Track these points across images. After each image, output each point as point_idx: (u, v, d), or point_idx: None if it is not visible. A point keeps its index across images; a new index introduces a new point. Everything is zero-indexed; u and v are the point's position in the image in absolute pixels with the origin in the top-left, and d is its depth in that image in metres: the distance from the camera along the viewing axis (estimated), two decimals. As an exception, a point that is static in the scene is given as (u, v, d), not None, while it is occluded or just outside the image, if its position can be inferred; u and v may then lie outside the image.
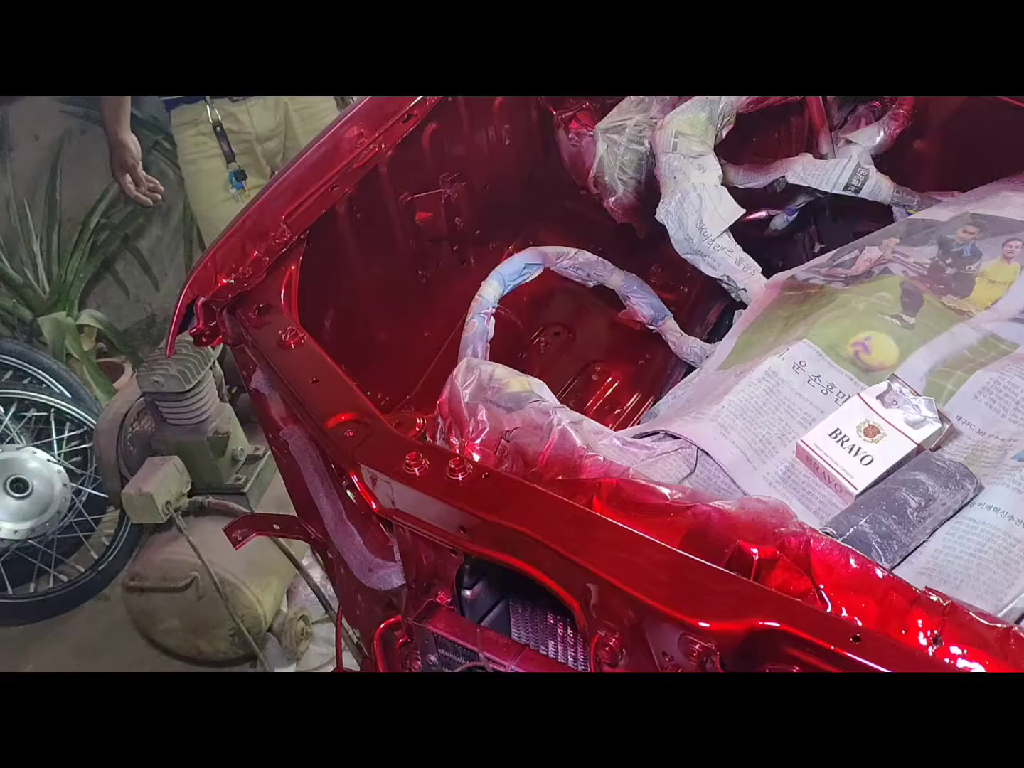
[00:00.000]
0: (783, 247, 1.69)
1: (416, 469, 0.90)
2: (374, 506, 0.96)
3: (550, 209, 1.74)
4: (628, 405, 1.57)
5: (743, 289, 1.30)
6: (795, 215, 1.56)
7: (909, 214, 1.34)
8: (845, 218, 1.57)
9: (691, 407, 1.06)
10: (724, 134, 1.44)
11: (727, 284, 1.32)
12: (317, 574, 2.10)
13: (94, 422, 2.39)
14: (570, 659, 0.98)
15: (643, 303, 1.44)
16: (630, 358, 1.61)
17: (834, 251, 1.31)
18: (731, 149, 1.50)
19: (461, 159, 1.56)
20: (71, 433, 2.56)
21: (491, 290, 1.32)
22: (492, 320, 1.30)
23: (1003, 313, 1.08)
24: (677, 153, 1.36)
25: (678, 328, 1.45)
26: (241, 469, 2.15)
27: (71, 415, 2.56)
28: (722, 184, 1.33)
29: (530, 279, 1.36)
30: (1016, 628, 0.67)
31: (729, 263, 1.30)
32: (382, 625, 1.06)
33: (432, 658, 0.98)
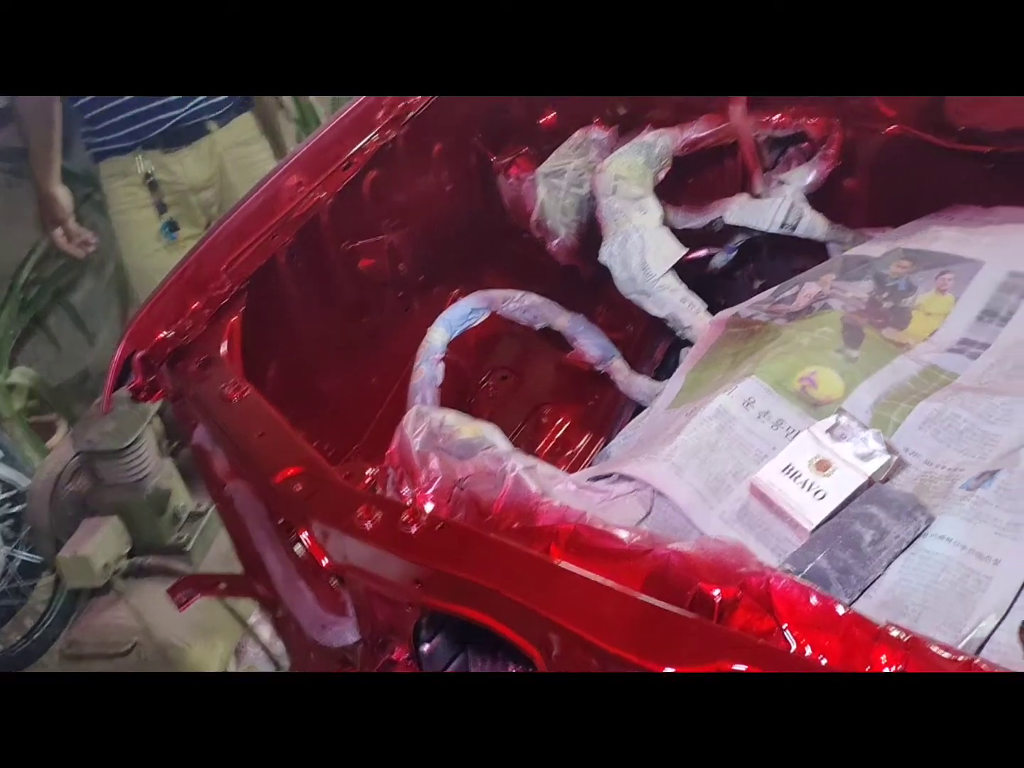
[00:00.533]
0: (724, 284, 1.71)
1: (368, 522, 0.88)
2: (325, 562, 0.93)
3: (494, 253, 1.74)
4: (579, 446, 1.57)
5: (689, 327, 1.31)
6: (734, 253, 1.59)
7: (844, 250, 1.38)
8: (782, 255, 1.60)
9: (644, 448, 1.06)
10: (662, 176, 1.47)
11: (673, 323, 1.33)
12: (266, 632, 2.03)
13: (26, 483, 2.30)
14: (533, 711, 0.95)
15: (591, 344, 1.44)
16: (579, 399, 1.61)
17: (775, 288, 1.33)
18: (670, 191, 1.52)
19: (403, 205, 1.56)
20: (2, 496, 2.46)
21: (438, 336, 1.31)
22: (441, 366, 1.29)
23: (941, 344, 1.11)
24: (617, 196, 1.38)
25: (626, 367, 1.46)
26: (183, 527, 2.09)
27: (1, 477, 2.46)
28: (663, 225, 1.35)
29: (476, 323, 1.36)
30: (977, 660, 0.67)
31: (674, 302, 1.31)
32: (337, 685, 1.02)
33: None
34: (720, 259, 1.61)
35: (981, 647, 0.76)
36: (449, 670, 0.99)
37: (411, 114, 1.50)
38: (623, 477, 1.00)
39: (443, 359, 1.29)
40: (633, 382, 1.43)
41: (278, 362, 1.37)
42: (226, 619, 1.97)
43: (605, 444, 1.52)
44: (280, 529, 1.14)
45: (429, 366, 1.26)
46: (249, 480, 1.12)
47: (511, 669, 0.95)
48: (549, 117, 1.77)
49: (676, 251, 1.32)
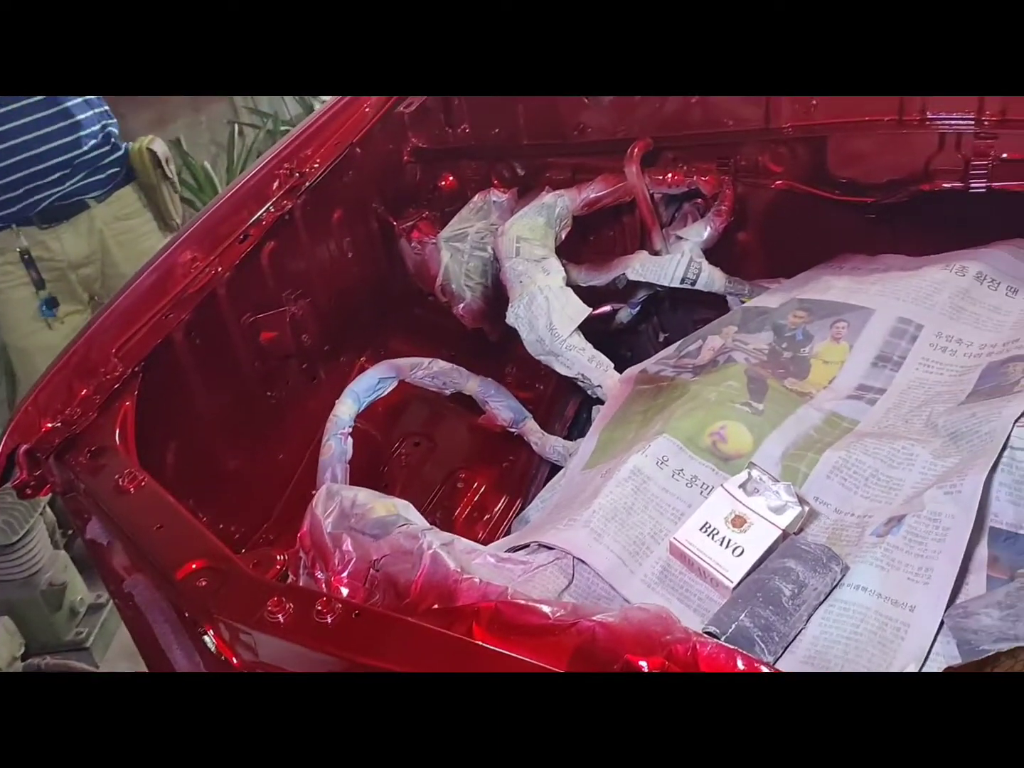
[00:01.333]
0: (630, 339, 1.74)
1: (280, 616, 0.83)
2: (235, 662, 0.88)
3: (400, 318, 1.73)
4: (497, 509, 1.54)
5: (598, 386, 1.32)
6: (638, 308, 1.62)
7: (743, 302, 1.41)
8: (684, 308, 1.64)
9: (561, 512, 1.05)
10: (563, 236, 1.49)
11: (582, 382, 1.33)
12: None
13: (-96, 586, 2.12)
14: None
15: (501, 406, 1.43)
16: (494, 462, 1.59)
17: (679, 342, 1.35)
18: (572, 250, 1.54)
19: (304, 275, 1.53)
20: None
21: (346, 409, 1.27)
22: (349, 440, 1.25)
23: (840, 391, 1.14)
24: (520, 258, 1.39)
25: (539, 428, 1.45)
26: (82, 621, 1.96)
27: None
28: (567, 284, 1.36)
29: (385, 393, 1.33)
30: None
31: (582, 361, 1.31)
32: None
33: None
34: (624, 314, 1.64)
35: (905, 696, 0.76)
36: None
37: (308, 184, 1.48)
38: (542, 546, 0.98)
39: (351, 432, 1.26)
40: (547, 443, 1.42)
41: (177, 445, 1.30)
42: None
43: (523, 506, 1.50)
44: (187, 623, 1.08)
45: (338, 441, 1.22)
46: (149, 575, 1.05)
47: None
48: (448, 180, 1.79)
49: (581, 310, 1.33)
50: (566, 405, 1.58)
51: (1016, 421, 0.92)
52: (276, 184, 1.47)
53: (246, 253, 1.38)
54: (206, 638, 0.91)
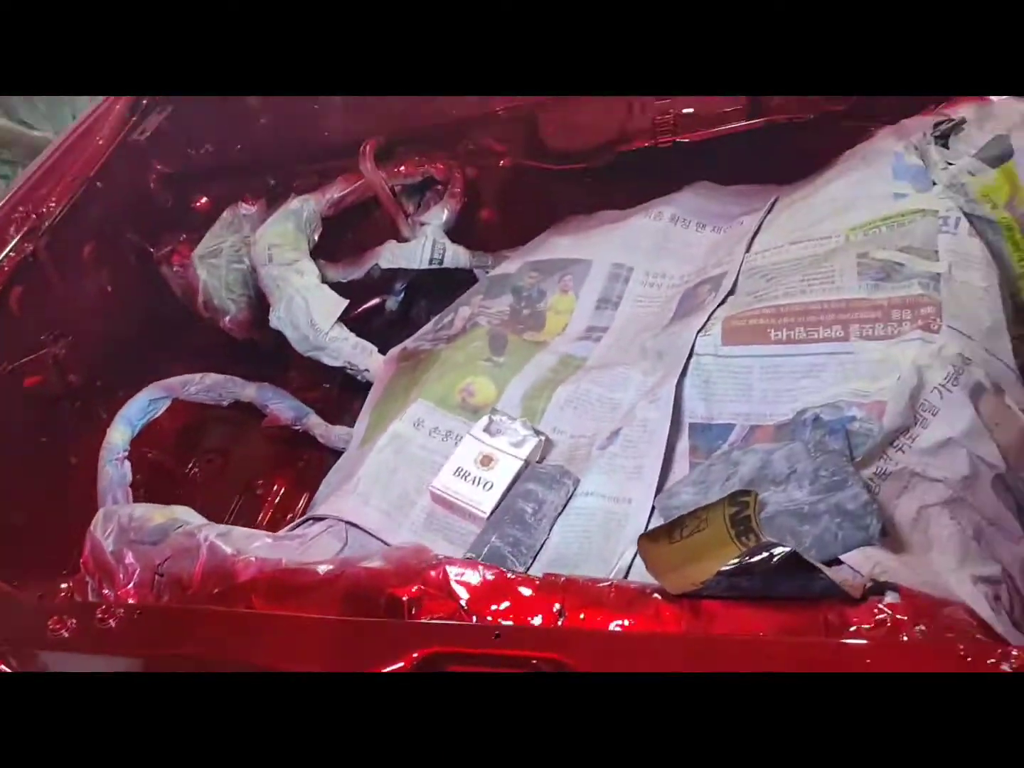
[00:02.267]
0: (404, 327, 1.83)
1: (64, 631, 0.87)
2: (29, 686, 0.90)
3: (176, 343, 1.73)
4: (299, 507, 1.60)
5: (366, 370, 1.40)
6: (402, 295, 1.71)
7: (488, 273, 1.54)
8: (446, 287, 1.75)
9: (335, 488, 1.13)
10: (316, 238, 1.56)
11: (351, 370, 1.42)
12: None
13: None
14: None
15: (282, 407, 1.49)
16: (289, 463, 1.64)
17: (436, 317, 1.47)
18: (328, 250, 1.62)
19: (61, 315, 1.52)
20: None
21: (118, 435, 1.29)
22: (127, 464, 1.27)
23: (571, 335, 1.29)
24: (274, 264, 1.45)
25: (322, 422, 1.52)
26: None
27: None
28: (322, 283, 1.44)
29: (158, 413, 1.36)
30: (616, 582, 0.81)
31: (346, 350, 1.40)
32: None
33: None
34: (392, 303, 1.73)
35: (627, 573, 0.90)
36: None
37: (47, 223, 1.47)
38: (315, 519, 1.06)
39: (127, 456, 1.28)
40: (332, 433, 1.49)
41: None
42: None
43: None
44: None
45: (114, 467, 1.25)
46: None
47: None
48: (202, 202, 1.81)
49: (339, 303, 1.42)
50: (353, 400, 1.66)
51: (699, 332, 1.09)
52: (13, 228, 1.45)
53: (-8, 302, 1.36)
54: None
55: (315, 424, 1.51)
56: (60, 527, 1.52)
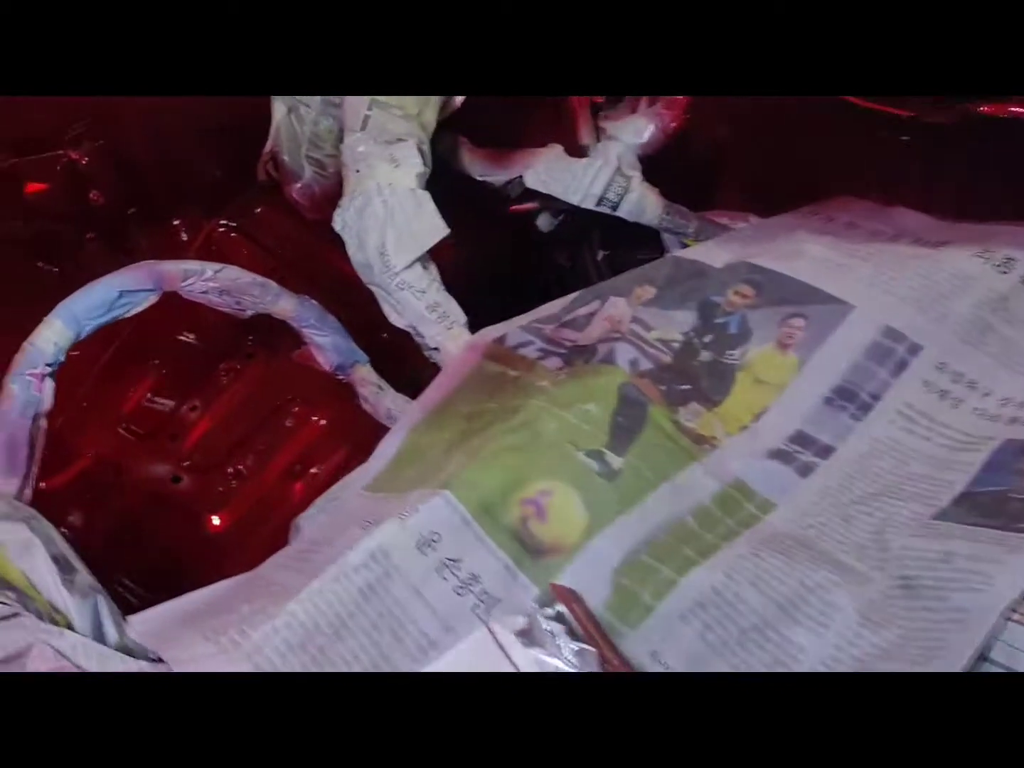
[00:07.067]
0: (565, 249, 1.30)
1: None
2: None
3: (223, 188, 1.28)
4: (327, 466, 1.16)
5: (435, 348, 0.90)
6: (562, 216, 1.16)
7: (684, 244, 0.97)
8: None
9: (253, 591, 0.67)
10: (459, 102, 1.02)
11: (417, 337, 0.92)
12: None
13: None
14: None
15: (326, 342, 1.03)
16: (343, 395, 1.19)
17: (576, 294, 0.92)
18: (472, 121, 1.08)
19: (89, 105, 1.09)
20: None
21: (51, 334, 0.85)
22: (47, 384, 0.85)
23: (762, 440, 0.72)
24: (367, 133, 0.93)
25: (376, 377, 1.05)
26: None
27: None
28: (421, 186, 0.92)
29: (134, 311, 0.92)
30: None
31: (418, 309, 0.89)
32: None
33: None
34: (545, 221, 1.19)
35: None
36: None
37: None
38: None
39: (52, 374, 0.85)
40: (382, 401, 1.03)
41: None
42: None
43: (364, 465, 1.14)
44: None
45: (23, 384, 0.82)
46: None
47: None
48: None
49: (432, 231, 0.89)
50: (419, 377, 1.17)
51: (1015, 605, 0.52)
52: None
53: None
54: None
55: (362, 379, 1.04)
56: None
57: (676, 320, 0.82)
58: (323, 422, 1.21)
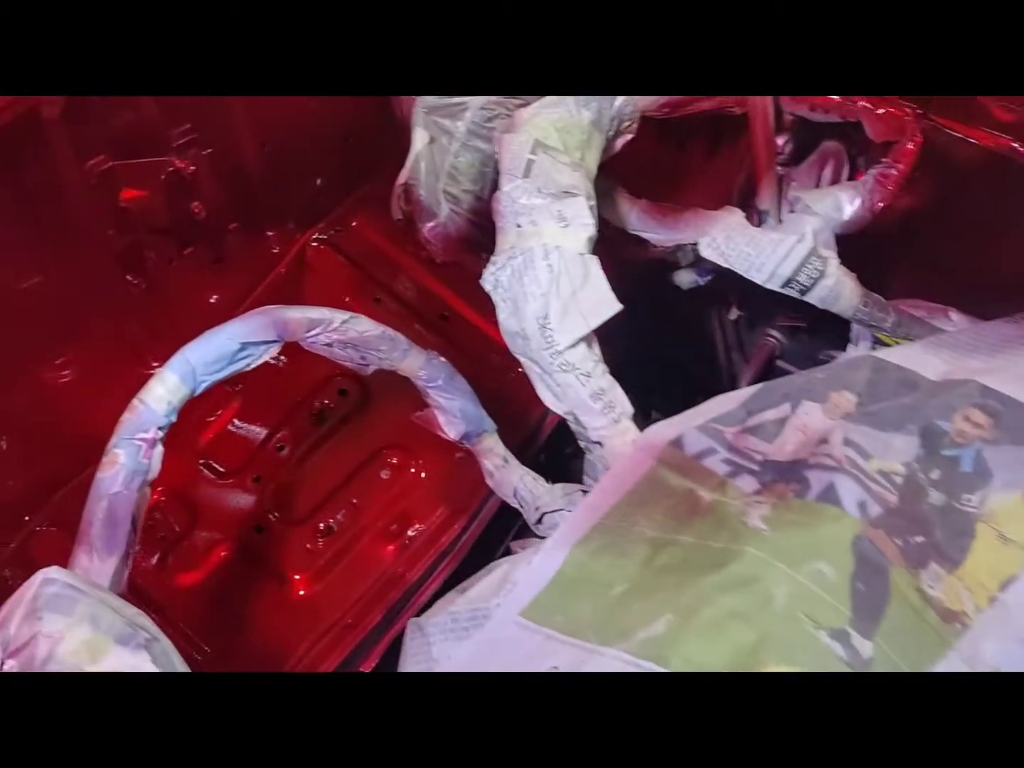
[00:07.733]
0: (687, 306, 1.18)
1: None
2: None
3: (374, 189, 1.16)
4: (426, 527, 1.05)
5: (598, 443, 0.78)
6: (709, 278, 1.04)
7: (877, 340, 0.85)
8: (779, 301, 1.05)
9: None
10: (619, 146, 0.90)
11: (575, 426, 0.80)
12: None
13: None
14: None
15: (452, 407, 0.91)
16: (445, 447, 1.07)
17: (755, 389, 0.80)
18: (628, 168, 0.96)
19: (202, 111, 0.97)
20: None
21: (165, 392, 0.73)
22: (158, 451, 0.73)
23: (1017, 619, 0.60)
24: (530, 180, 0.81)
25: (503, 449, 0.93)
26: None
27: None
28: (590, 251, 0.80)
29: (254, 365, 0.80)
30: None
31: (581, 395, 0.77)
32: None
33: None
34: (687, 278, 1.07)
35: None
36: None
37: None
38: None
39: (161, 439, 0.73)
40: (507, 477, 0.91)
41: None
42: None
43: (467, 530, 1.03)
44: None
45: (130, 451, 0.71)
46: None
47: None
48: None
49: (602, 305, 0.77)
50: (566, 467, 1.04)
51: None
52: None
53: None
54: None
55: (488, 449, 0.93)
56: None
57: (895, 447, 0.70)
58: (423, 475, 1.11)
